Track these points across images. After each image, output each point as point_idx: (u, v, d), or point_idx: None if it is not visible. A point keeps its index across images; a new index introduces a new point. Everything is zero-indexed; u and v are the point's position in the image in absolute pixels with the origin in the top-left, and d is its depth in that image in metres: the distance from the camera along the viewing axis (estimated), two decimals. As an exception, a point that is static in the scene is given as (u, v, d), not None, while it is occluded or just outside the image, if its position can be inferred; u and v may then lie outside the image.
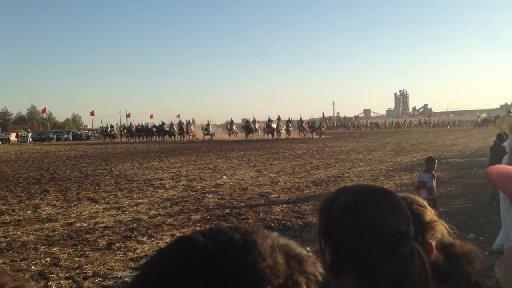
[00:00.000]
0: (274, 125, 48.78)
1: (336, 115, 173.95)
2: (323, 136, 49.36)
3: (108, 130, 58.02)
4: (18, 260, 6.53)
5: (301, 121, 52.40)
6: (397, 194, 1.04)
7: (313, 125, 50.80)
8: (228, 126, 53.03)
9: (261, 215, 9.23)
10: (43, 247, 7.20)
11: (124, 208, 10.27)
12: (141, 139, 53.86)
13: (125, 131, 57.32)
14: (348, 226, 0.96)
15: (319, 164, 19.03)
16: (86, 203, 11.09)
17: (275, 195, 11.55)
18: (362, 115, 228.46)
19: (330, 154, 24.43)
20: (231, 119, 54.08)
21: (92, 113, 71.43)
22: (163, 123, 55.41)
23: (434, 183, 7.29)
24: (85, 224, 8.74)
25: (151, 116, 75.52)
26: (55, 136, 64.88)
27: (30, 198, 12.04)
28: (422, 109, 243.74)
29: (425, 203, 1.15)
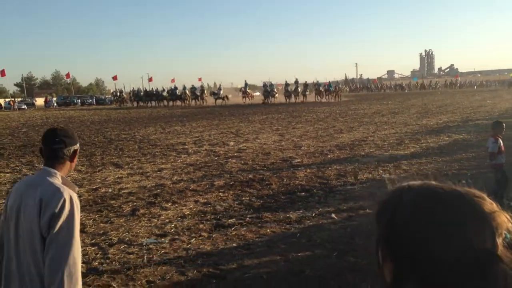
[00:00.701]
0: (292, 88, 47.75)
1: (359, 77, 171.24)
2: (339, 100, 47.54)
3: (118, 95, 56.34)
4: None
5: (318, 84, 50.33)
6: (467, 193, 0.85)
7: (328, 88, 48.89)
8: (242, 89, 51.21)
9: (285, 180, 9.15)
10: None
11: (148, 174, 10.31)
12: (151, 103, 52.23)
13: (133, 96, 54.90)
14: (418, 235, 0.79)
15: (342, 128, 18.78)
16: (110, 168, 11.18)
17: (298, 160, 11.43)
18: (386, 76, 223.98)
19: (353, 117, 24.08)
20: (245, 81, 52.40)
21: (114, 78, 71.56)
22: (175, 88, 53.58)
23: (496, 148, 6.97)
24: (110, 190, 8.81)
25: (173, 80, 75.49)
26: (79, 100, 65.53)
27: (55, 163, 12.18)
28: (448, 70, 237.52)
29: (482, 193, 0.94)
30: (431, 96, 53.38)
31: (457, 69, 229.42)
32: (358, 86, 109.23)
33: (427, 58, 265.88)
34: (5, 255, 2.19)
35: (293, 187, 8.59)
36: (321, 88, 49.17)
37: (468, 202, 0.80)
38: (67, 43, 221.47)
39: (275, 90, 49.59)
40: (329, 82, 51.09)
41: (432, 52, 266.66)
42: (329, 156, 11.85)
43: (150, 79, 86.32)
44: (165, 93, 52.49)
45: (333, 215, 6.71)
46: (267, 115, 27.94)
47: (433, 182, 0.88)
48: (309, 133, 17.21)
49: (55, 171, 2.24)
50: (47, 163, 2.27)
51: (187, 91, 51.07)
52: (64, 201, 2.10)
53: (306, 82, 49.33)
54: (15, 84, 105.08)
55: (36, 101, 64.79)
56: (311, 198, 7.77)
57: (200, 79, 59.58)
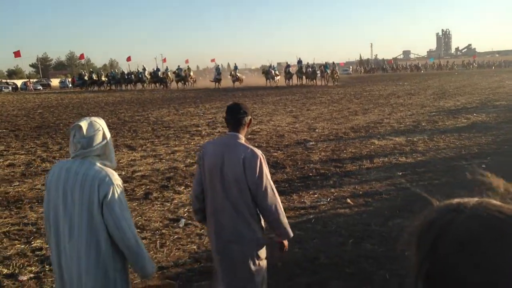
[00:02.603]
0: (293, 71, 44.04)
1: (374, 57, 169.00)
2: (335, 83, 41.60)
3: (96, 78, 50.46)
4: (58, 209, 6.61)
5: (311, 66, 43.84)
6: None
7: (325, 70, 43.16)
8: (232, 72, 45.90)
9: (299, 163, 9.03)
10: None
11: (161, 156, 10.26)
12: (130, 87, 48.19)
13: (110, 79, 50.36)
14: (470, 272, 0.64)
15: (357, 109, 18.51)
16: (124, 150, 11.15)
17: (313, 143, 11.28)
18: (402, 56, 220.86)
19: (368, 99, 23.74)
20: (235, 64, 47.10)
21: (128, 59, 71.35)
22: (157, 69, 49.30)
23: None
24: (123, 172, 8.76)
25: (187, 61, 75.25)
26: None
27: (69, 145, 12.19)
28: (465, 50, 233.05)
29: None
30: (448, 77, 52.48)
31: (474, 49, 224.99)
32: (373, 66, 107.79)
33: (444, 38, 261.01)
34: (211, 199, 3.00)
35: (308, 170, 8.47)
36: (316, 70, 43.41)
37: None
38: (81, 23, 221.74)
39: (277, 72, 45.40)
40: (326, 63, 44.32)
41: (449, 31, 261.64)
42: (344, 139, 11.67)
43: (164, 60, 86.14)
44: (146, 74, 48.25)
45: (348, 200, 6.58)
46: (281, 97, 27.69)
47: (492, 201, 0.71)
48: (323, 115, 17.00)
49: (241, 135, 3.01)
50: (233, 129, 3.03)
51: (169, 73, 47.92)
52: (261, 160, 2.91)
53: (308, 63, 44.62)
54: (30, 65, 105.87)
55: (51, 82, 65.21)
56: (326, 182, 7.65)
57: (213, 60, 58.79)
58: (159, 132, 14.07)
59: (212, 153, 2.99)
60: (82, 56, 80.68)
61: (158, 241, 5.29)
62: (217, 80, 43.04)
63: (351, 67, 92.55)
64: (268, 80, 43.95)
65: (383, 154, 9.67)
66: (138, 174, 8.63)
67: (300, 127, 14.04)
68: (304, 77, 43.19)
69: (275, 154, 10.11)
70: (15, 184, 8.19)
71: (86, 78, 50.65)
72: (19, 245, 5.33)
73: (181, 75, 45.97)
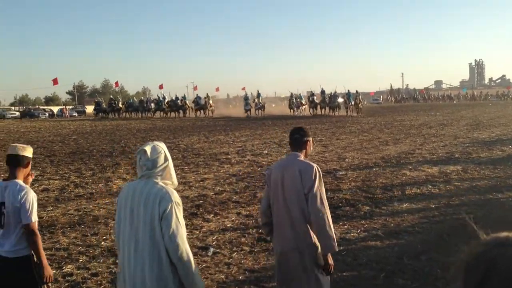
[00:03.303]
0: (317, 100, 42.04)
1: (405, 87, 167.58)
2: (359, 114, 39.56)
3: (114, 105, 49.93)
4: (89, 235, 6.71)
5: (333, 95, 41.30)
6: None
7: (348, 100, 40.52)
8: (256, 100, 44.25)
9: (328, 193, 8.91)
10: (113, 222, 7.34)
11: (191, 183, 10.33)
12: (146, 114, 47.09)
13: (127, 106, 49.40)
14: None
15: (388, 139, 18.29)
16: (154, 177, 11.25)
17: (343, 172, 11.17)
18: (433, 86, 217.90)
19: (399, 129, 23.46)
20: (258, 91, 45.51)
21: (160, 86, 72.78)
22: (176, 98, 47.61)
23: None
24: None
25: (217, 89, 76.54)
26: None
27: (102, 171, 12.45)
28: (499, 80, 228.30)
29: None
30: (482, 107, 51.47)
31: (509, 79, 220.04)
32: (404, 96, 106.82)
33: (477, 68, 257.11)
34: (275, 212, 3.37)
35: (337, 201, 8.37)
36: (340, 99, 41.36)
37: None
38: (116, 52, 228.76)
39: (303, 101, 44.11)
40: (348, 91, 41.71)
41: (482, 62, 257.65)
42: (374, 169, 11.51)
43: (195, 88, 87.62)
44: (165, 102, 47.09)
45: (379, 233, 6.45)
46: (310, 126, 27.65)
47: None
48: (353, 145, 16.86)
49: (298, 154, 3.41)
50: (293, 150, 3.45)
51: (187, 101, 46.78)
52: (315, 170, 3.26)
53: (333, 92, 42.07)
54: (67, 92, 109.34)
55: (86, 108, 67.05)
56: (356, 213, 7.53)
57: (243, 88, 59.25)
58: (189, 159, 14.21)
59: (275, 171, 3.41)
60: (116, 83, 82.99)
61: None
62: (248, 109, 42.58)
63: (381, 96, 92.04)
64: (292, 110, 43.32)
65: (415, 185, 9.48)
66: (167, 201, 8.68)
67: (330, 156, 13.95)
68: (327, 107, 41.30)
69: (305, 183, 10.03)
70: (49, 209, 8.36)
71: (104, 105, 51.19)
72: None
73: (200, 104, 44.89)
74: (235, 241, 6.26)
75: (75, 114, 60.17)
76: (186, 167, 12.68)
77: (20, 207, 3.34)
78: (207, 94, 46.30)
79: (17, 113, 59.05)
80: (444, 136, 19.11)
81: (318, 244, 3.26)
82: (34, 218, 3.44)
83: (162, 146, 2.85)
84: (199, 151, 16.07)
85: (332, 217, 7.26)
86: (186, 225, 7.09)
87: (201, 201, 8.57)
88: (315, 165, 3.30)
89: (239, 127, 28.50)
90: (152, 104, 47.51)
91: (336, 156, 14.06)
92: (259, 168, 12.03)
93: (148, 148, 2.77)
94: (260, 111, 43.11)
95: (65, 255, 5.90)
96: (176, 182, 2.90)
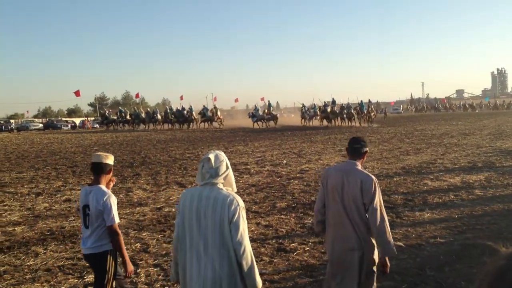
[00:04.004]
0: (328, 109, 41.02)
1: (425, 96, 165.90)
2: (371, 125, 38.65)
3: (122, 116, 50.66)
4: (110, 244, 6.76)
5: (347, 106, 40.29)
6: None
7: (361, 110, 40.23)
8: (266, 110, 43.62)
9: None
10: (134, 231, 7.42)
11: (210, 194, 10.34)
12: (152, 126, 47.14)
13: (134, 117, 49.10)
14: None
15: (408, 149, 18.09)
16: (174, 187, 11.35)
17: (363, 183, 11.05)
18: (455, 95, 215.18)
19: (420, 138, 23.20)
20: (269, 101, 45.19)
21: (181, 98, 73.86)
22: (183, 109, 46.67)
23: None
24: (173, 209, 8.89)
25: (236, 100, 76.95)
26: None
27: (123, 181, 12.58)
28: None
29: None
30: (505, 116, 50.59)
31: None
32: (424, 106, 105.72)
33: (499, 77, 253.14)
34: (332, 213, 3.64)
35: (358, 211, 8.27)
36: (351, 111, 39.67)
37: None
38: (137, 64, 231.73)
39: (318, 111, 42.95)
40: (361, 101, 41.56)
41: (505, 70, 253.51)
42: (395, 179, 11.39)
43: (214, 99, 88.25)
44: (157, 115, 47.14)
45: (400, 243, 6.36)
46: (329, 136, 27.56)
47: None
48: (373, 155, 16.71)
49: (357, 162, 3.63)
50: (351, 158, 3.67)
51: (194, 113, 45.38)
52: (375, 183, 3.51)
53: (347, 103, 41.27)
54: (88, 104, 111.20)
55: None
56: (377, 224, 7.43)
57: (262, 99, 59.37)
58: (208, 170, 14.23)
59: (334, 176, 3.64)
60: (137, 95, 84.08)
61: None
62: (255, 121, 42.27)
63: (401, 106, 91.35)
64: (303, 120, 43.11)
65: (437, 195, 9.34)
66: (187, 211, 8.71)
67: (350, 167, 13.83)
68: (339, 117, 40.23)
69: (324, 193, 9.97)
70: (71, 219, 8.47)
71: (110, 116, 51.85)
72: (72, 279, 5.46)
73: (207, 115, 44.37)
74: (254, 251, 6.21)
75: (97, 125, 61.04)
76: (206, 177, 12.71)
77: (103, 210, 3.72)
78: (214, 105, 45.99)
79: (40, 125, 60.34)
80: (466, 146, 18.81)
81: (374, 246, 3.58)
82: (116, 219, 3.80)
83: (223, 155, 3.07)
84: (218, 162, 16.08)
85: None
86: (206, 235, 7.11)
87: (220, 211, 8.57)
88: (374, 177, 3.56)
89: (258, 137, 28.54)
90: (159, 116, 47.29)
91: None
92: (279, 179, 12.00)
93: (212, 157, 2.98)
94: (271, 122, 42.58)
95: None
96: (235, 188, 3.08)
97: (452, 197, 9.14)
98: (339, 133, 29.36)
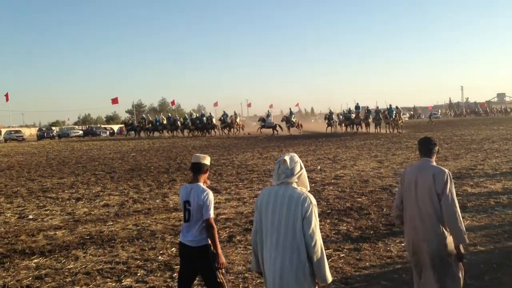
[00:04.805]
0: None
1: (465, 100, 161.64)
2: (399, 131, 36.27)
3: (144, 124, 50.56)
4: (147, 249, 6.89)
5: (376, 110, 39.15)
6: None
7: (390, 114, 37.27)
8: (284, 117, 43.84)
9: (385, 210, 8.73)
10: (170, 237, 7.53)
11: (245, 199, 10.41)
12: (175, 133, 47.37)
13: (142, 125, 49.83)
14: None
15: (447, 155, 17.65)
16: (209, 193, 11.44)
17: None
18: (496, 99, 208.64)
19: (459, 144, 22.60)
20: (290, 109, 44.45)
21: (215, 104, 74.74)
22: (202, 115, 46.38)
23: None
24: (208, 215, 8.98)
25: (271, 106, 77.01)
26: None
27: (159, 187, 12.81)
28: None
29: None
30: (549, 120, 48.68)
31: None
32: (464, 110, 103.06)
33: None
34: (408, 207, 4.00)
35: (394, 217, 8.14)
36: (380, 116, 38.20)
37: None
38: (173, 72, 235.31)
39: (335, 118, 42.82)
40: (390, 105, 38.03)
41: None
42: (433, 186, 11.13)
43: (248, 105, 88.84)
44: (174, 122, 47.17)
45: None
46: (365, 141, 27.24)
47: None
48: (410, 160, 16.41)
49: (431, 160, 3.99)
50: (424, 156, 4.02)
51: (213, 119, 44.76)
52: (447, 175, 3.82)
53: (376, 108, 40.22)
54: (126, 111, 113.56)
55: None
56: (414, 231, 7.29)
57: (297, 105, 59.30)
58: (243, 175, 14.34)
59: (410, 174, 4.04)
60: (173, 102, 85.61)
61: (241, 285, 5.31)
62: (261, 126, 42.02)
63: (439, 110, 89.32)
64: (329, 127, 42.50)
65: (477, 202, 9.08)
66: (222, 217, 8.80)
67: (385, 172, 13.65)
68: (364, 124, 39.06)
69: (359, 199, 9.87)
70: (109, 223, 8.68)
71: (135, 123, 52.52)
72: (110, 283, 5.58)
73: (227, 122, 43.60)
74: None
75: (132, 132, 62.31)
76: (240, 183, 12.81)
77: (203, 205, 4.03)
78: (234, 112, 45.39)
79: (80, 132, 62.13)
80: (508, 151, 18.20)
81: (446, 235, 3.82)
82: (212, 214, 4.08)
83: (297, 157, 3.29)
84: (252, 168, 16.19)
85: (388, 233, 7.18)
86: (240, 241, 7.20)
87: (255, 217, 8.61)
88: (447, 170, 3.87)
89: (293, 143, 28.50)
90: (179, 123, 47.20)
91: (392, 172, 13.74)
92: (313, 184, 11.94)
93: (287, 159, 3.22)
94: (294, 129, 42.26)
95: (124, 268, 6.09)
96: (308, 187, 3.30)
97: (493, 203, 8.87)
98: (375, 139, 28.96)
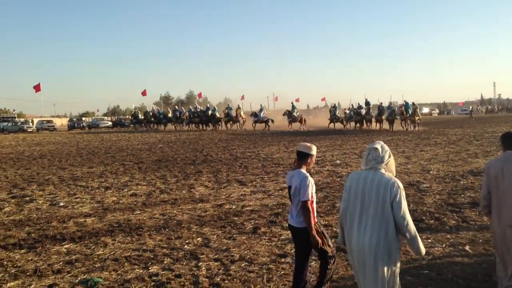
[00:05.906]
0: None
1: (497, 96, 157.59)
2: (416, 129, 33.62)
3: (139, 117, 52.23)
4: (173, 238, 7.01)
5: (388, 107, 36.31)
6: None
7: (406, 111, 35.09)
8: (286, 112, 42.77)
9: (411, 206, 8.63)
10: (196, 227, 7.64)
11: (270, 192, 10.46)
12: (181, 126, 46.93)
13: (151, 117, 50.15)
14: None
15: (477, 152, 17.30)
16: (234, 185, 11.56)
17: (427, 185, 10.75)
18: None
19: (490, 141, 22.12)
20: (292, 104, 43.52)
21: (242, 97, 74.88)
22: (207, 108, 45.19)
23: None
24: (233, 206, 9.08)
25: (297, 100, 76.76)
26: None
27: (185, 178, 12.97)
28: None
29: None
30: None
31: None
32: (496, 107, 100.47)
33: None
34: (495, 197, 4.16)
35: (421, 213, 8.07)
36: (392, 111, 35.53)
37: None
38: (201, 65, 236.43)
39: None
40: (405, 101, 36.23)
41: None
42: (461, 182, 10.96)
43: (275, 99, 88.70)
44: (175, 115, 47.37)
45: (467, 248, 6.13)
46: (392, 137, 26.91)
47: None
48: (438, 157, 16.15)
49: None
50: (507, 149, 4.25)
51: (216, 113, 44.27)
52: None
53: (382, 103, 38.07)
54: (154, 103, 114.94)
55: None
56: (441, 227, 7.22)
57: (323, 99, 58.68)
58: (268, 168, 14.38)
59: (494, 166, 4.23)
60: (200, 94, 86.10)
61: (265, 276, 5.36)
62: (255, 121, 41.03)
63: (470, 107, 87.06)
64: (332, 123, 41.11)
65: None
66: (247, 208, 8.87)
67: (413, 168, 13.47)
68: (373, 120, 37.38)
69: (386, 195, 9.77)
70: (137, 212, 8.85)
71: (141, 117, 52.72)
72: (138, 270, 5.71)
73: (230, 115, 43.10)
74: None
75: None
76: (266, 176, 12.85)
77: (300, 188, 4.31)
78: (238, 105, 44.76)
79: (109, 123, 63.28)
80: (541, 149, 17.69)
81: None
82: (308, 197, 4.30)
83: (386, 146, 3.63)
84: (278, 161, 16.21)
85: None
86: (265, 232, 7.25)
87: (280, 210, 8.65)
88: None
89: (319, 137, 28.39)
90: (184, 116, 46.83)
91: (420, 168, 13.56)
92: (339, 179, 11.89)
93: (378, 147, 3.57)
94: (296, 124, 41.45)
95: (151, 256, 6.22)
96: (395, 173, 3.63)
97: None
98: (403, 134, 28.57)
